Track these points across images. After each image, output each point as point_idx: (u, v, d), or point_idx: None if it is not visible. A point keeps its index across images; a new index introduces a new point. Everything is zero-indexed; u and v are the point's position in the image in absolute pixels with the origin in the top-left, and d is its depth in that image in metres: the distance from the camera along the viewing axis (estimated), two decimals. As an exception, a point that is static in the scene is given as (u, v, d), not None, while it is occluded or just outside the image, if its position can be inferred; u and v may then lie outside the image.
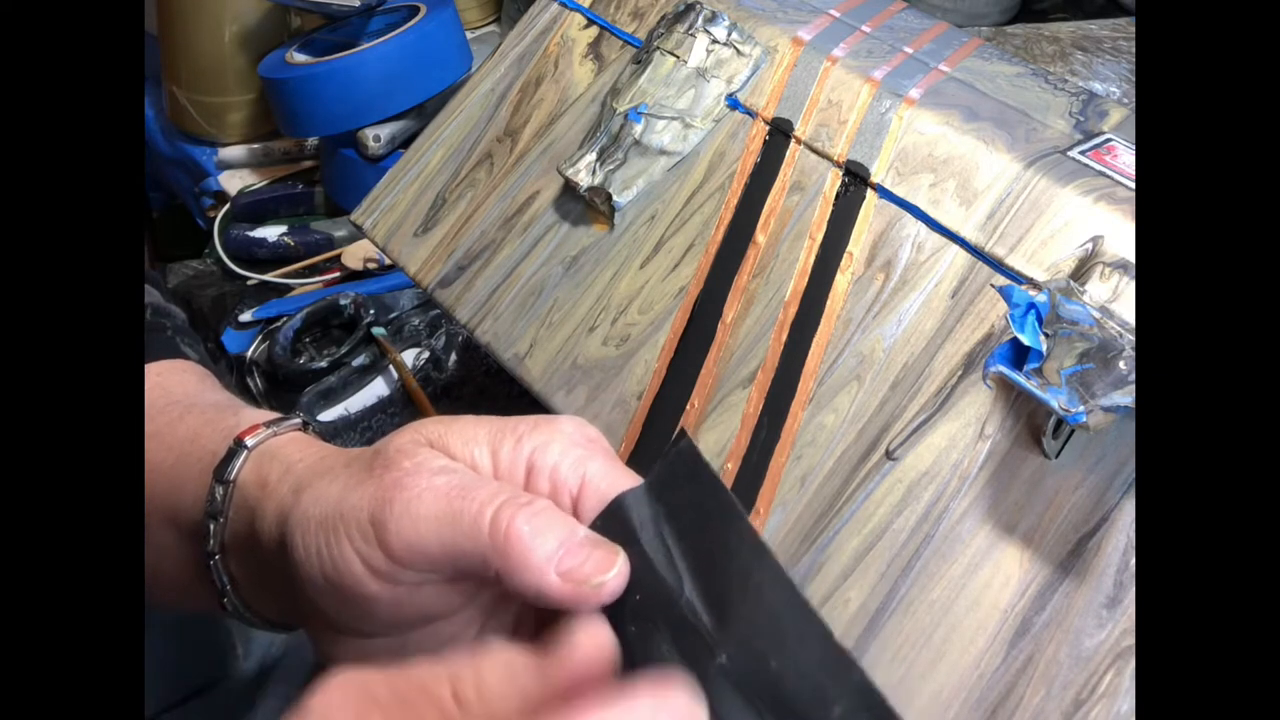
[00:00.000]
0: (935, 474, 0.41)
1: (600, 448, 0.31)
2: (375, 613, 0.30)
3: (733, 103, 0.50)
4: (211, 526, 0.34)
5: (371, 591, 0.29)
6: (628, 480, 0.30)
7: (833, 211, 0.46)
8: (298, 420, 0.36)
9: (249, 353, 0.78)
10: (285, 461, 0.33)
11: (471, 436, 0.30)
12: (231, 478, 0.33)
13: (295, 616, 0.34)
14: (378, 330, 0.76)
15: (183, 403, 0.38)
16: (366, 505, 0.29)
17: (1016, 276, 0.41)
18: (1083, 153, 0.44)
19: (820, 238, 0.46)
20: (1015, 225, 0.42)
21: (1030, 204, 0.42)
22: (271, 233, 0.89)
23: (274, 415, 0.36)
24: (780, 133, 0.48)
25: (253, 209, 0.93)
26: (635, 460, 0.47)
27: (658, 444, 0.47)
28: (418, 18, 0.87)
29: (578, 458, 0.30)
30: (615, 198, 0.50)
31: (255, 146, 0.99)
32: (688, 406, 0.47)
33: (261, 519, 0.32)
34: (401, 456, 0.29)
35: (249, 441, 0.34)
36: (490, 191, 0.56)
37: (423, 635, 0.32)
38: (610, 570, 0.27)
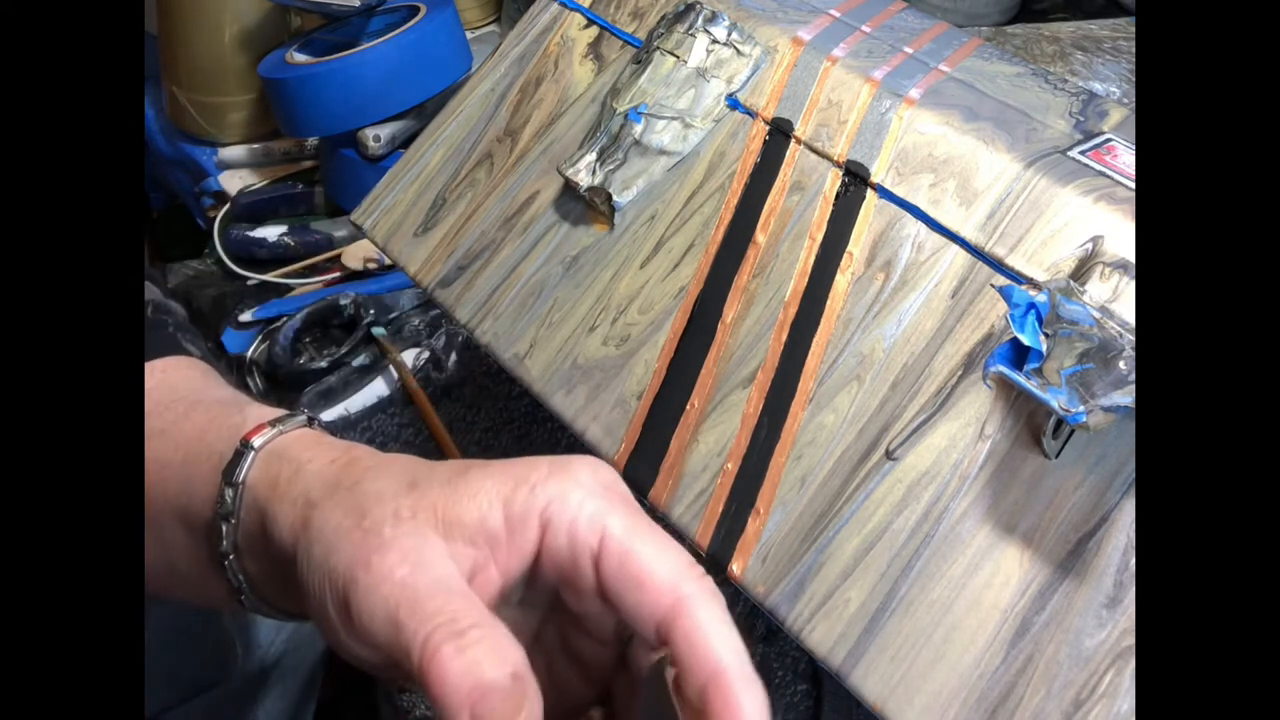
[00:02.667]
0: (935, 474, 0.41)
1: (618, 495, 0.30)
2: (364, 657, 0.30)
3: (733, 103, 0.50)
4: (224, 528, 0.34)
5: (352, 647, 0.29)
6: (648, 532, 0.29)
7: (833, 211, 0.46)
8: (303, 418, 0.36)
9: (249, 353, 0.78)
10: (295, 462, 0.33)
11: (479, 490, 0.30)
12: (241, 480, 0.33)
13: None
14: (378, 330, 0.76)
15: (188, 399, 0.38)
16: (342, 573, 0.29)
17: (1016, 276, 0.41)
18: (1083, 153, 0.44)
19: (820, 238, 0.46)
20: (1015, 225, 0.42)
21: (1030, 204, 0.42)
22: (271, 233, 0.89)
23: (279, 412, 0.36)
24: (780, 133, 0.48)
25: (253, 209, 0.93)
26: (634, 461, 0.47)
27: (658, 444, 0.47)
28: (418, 18, 0.87)
29: (595, 511, 0.29)
30: (615, 198, 0.50)
31: (255, 146, 0.99)
32: (688, 406, 0.47)
33: (274, 523, 0.32)
34: (383, 523, 0.29)
35: (256, 442, 0.34)
36: (490, 191, 0.56)
37: None
38: None
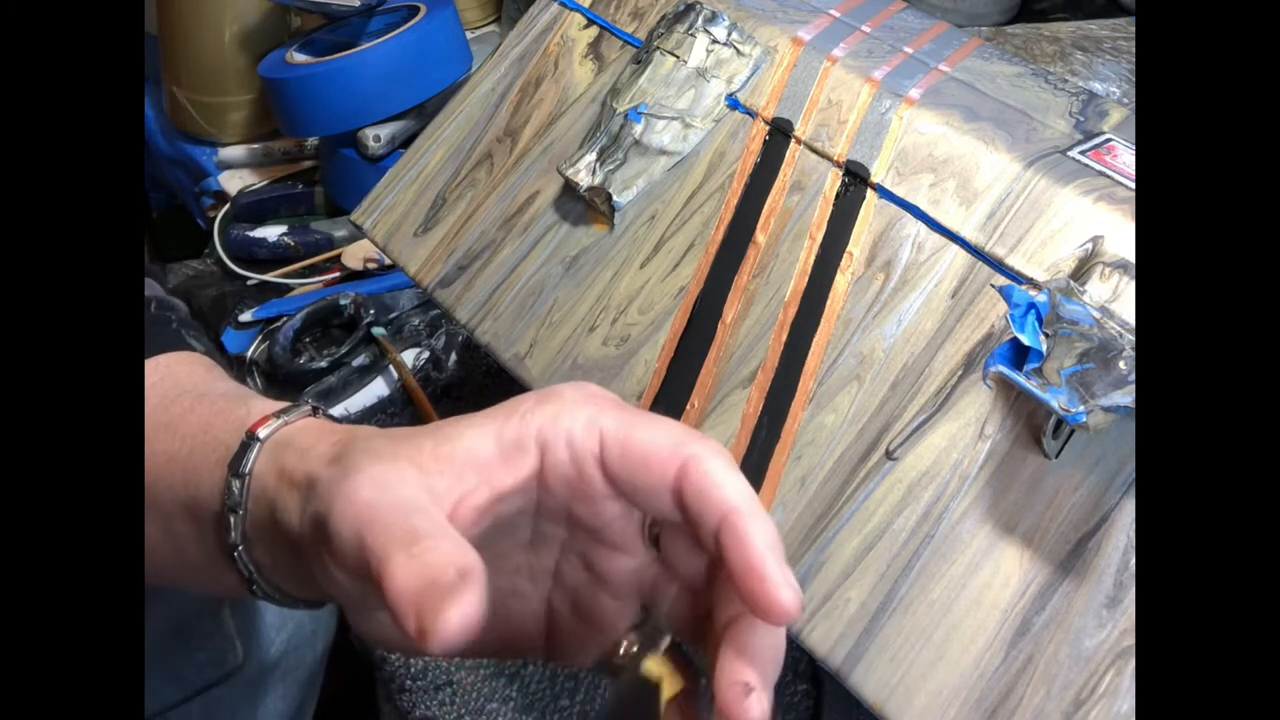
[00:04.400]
0: (935, 474, 0.41)
1: (606, 400, 0.30)
2: None
3: (733, 103, 0.50)
4: (232, 519, 0.34)
5: (342, 585, 0.30)
6: (642, 417, 0.30)
7: (833, 211, 0.46)
8: (307, 408, 0.36)
9: (249, 353, 0.78)
10: (299, 449, 0.33)
11: (467, 427, 0.30)
12: (247, 471, 0.34)
13: (324, 594, 0.34)
14: (378, 330, 0.76)
15: (192, 393, 0.39)
16: (321, 510, 0.29)
17: (1016, 276, 0.41)
18: (1083, 153, 0.44)
19: (820, 238, 0.46)
20: (1015, 225, 0.42)
21: (1030, 204, 0.42)
22: (271, 233, 0.89)
23: (283, 404, 0.36)
24: (780, 133, 0.48)
25: (253, 209, 0.93)
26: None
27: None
28: (418, 18, 0.87)
29: (589, 418, 0.29)
30: (615, 198, 0.50)
31: (255, 146, 1.00)
32: (688, 406, 0.47)
33: (282, 510, 0.32)
34: (360, 460, 0.30)
35: (261, 433, 0.34)
36: (490, 191, 0.56)
37: None
38: (444, 619, 0.26)
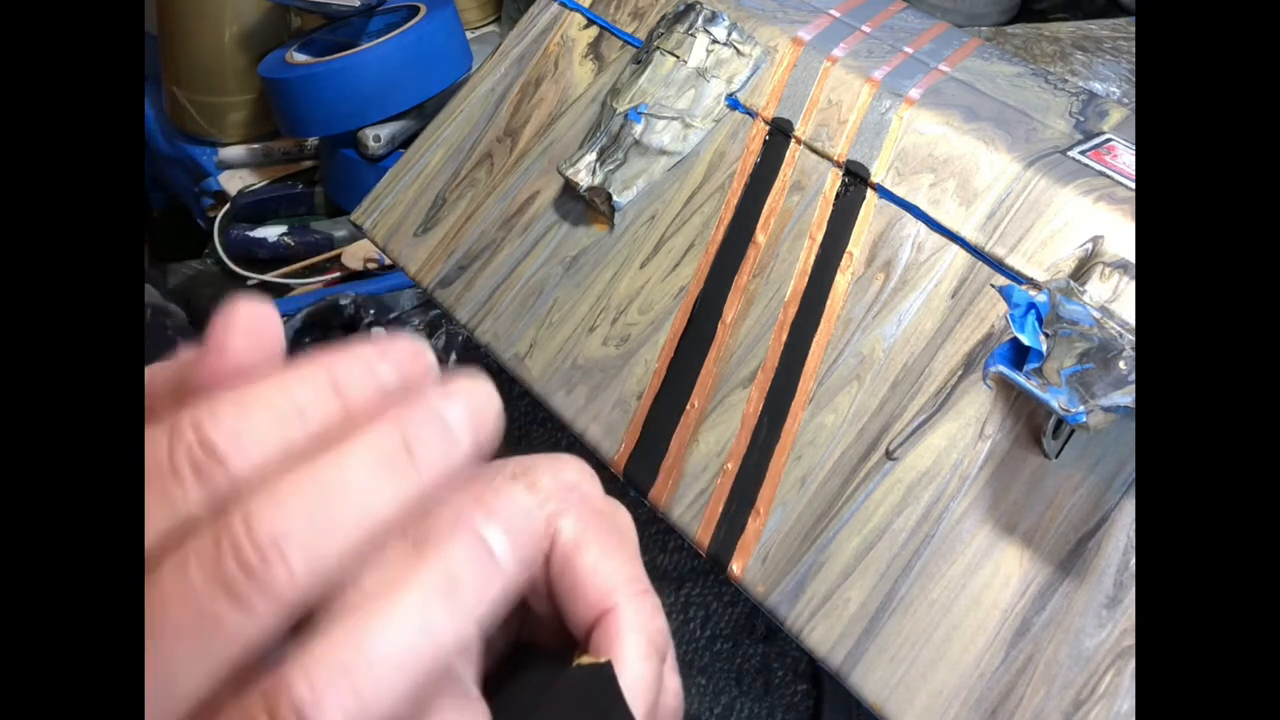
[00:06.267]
0: (935, 474, 0.41)
1: (577, 496, 0.30)
2: None
3: (733, 103, 0.50)
4: None
5: None
6: (596, 538, 0.29)
7: (833, 211, 0.46)
8: None
9: (249, 353, 0.78)
10: None
11: (447, 504, 0.30)
12: None
13: None
14: (378, 330, 0.76)
15: None
16: None
17: (1016, 276, 0.41)
18: (1083, 153, 0.44)
19: (820, 238, 0.46)
20: (1015, 225, 0.42)
21: (1030, 204, 0.42)
22: (271, 233, 0.89)
23: None
24: (780, 133, 0.48)
25: (253, 209, 0.94)
26: (634, 461, 0.47)
27: (658, 444, 0.47)
28: (418, 18, 0.87)
29: (550, 515, 0.29)
30: (615, 198, 0.50)
31: (255, 146, 1.00)
32: (688, 406, 0.47)
33: None
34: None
35: None
36: (490, 191, 0.56)
37: None
38: None
